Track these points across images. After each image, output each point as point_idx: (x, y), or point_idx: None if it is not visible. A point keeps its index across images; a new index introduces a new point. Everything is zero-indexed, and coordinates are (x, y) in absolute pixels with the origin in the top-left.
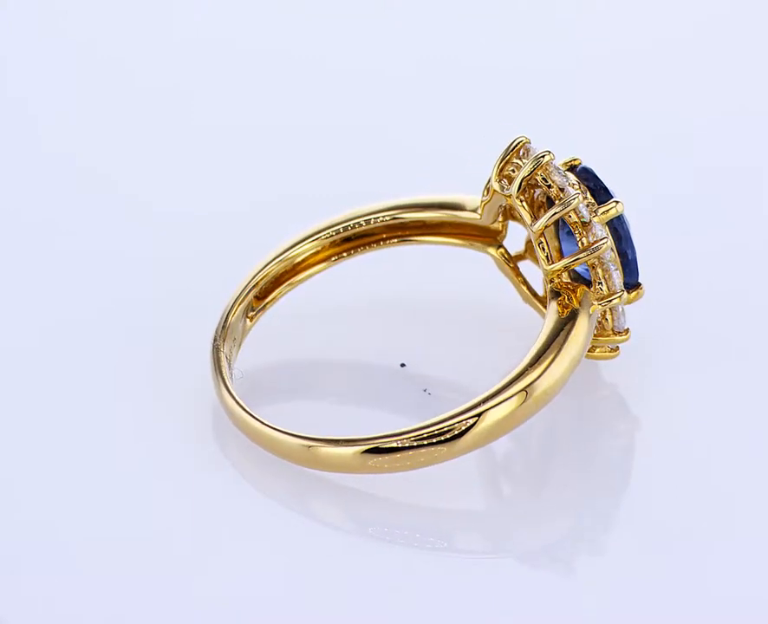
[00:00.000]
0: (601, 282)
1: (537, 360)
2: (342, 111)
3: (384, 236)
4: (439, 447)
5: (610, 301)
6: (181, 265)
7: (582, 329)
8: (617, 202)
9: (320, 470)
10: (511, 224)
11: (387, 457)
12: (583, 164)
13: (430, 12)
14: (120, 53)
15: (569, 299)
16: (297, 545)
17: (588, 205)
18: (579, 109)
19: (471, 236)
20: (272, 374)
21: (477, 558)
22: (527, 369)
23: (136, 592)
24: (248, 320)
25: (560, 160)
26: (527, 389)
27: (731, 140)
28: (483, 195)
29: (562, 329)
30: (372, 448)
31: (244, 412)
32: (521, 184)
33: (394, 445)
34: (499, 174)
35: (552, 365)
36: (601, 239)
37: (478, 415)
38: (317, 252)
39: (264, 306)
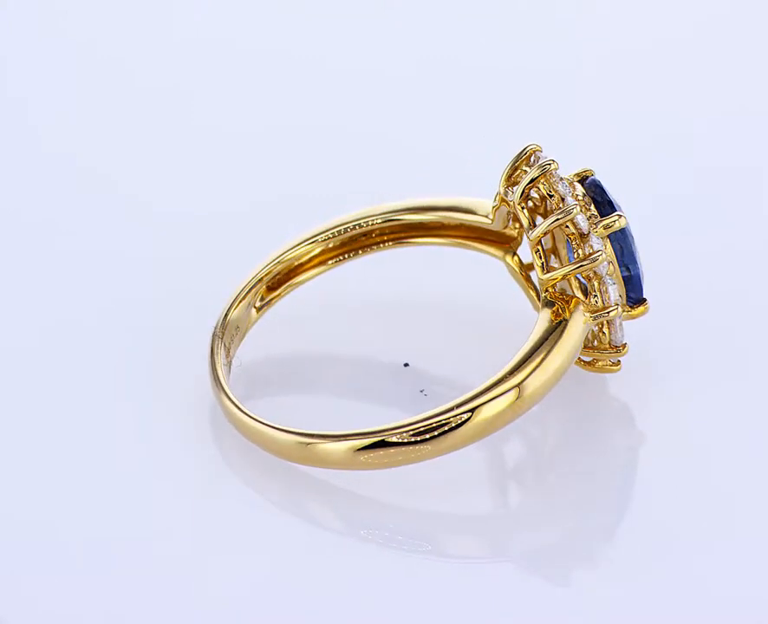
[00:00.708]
0: (596, 295)
1: (528, 359)
2: (342, 111)
3: (399, 235)
4: (432, 442)
5: (603, 314)
6: (181, 265)
7: (571, 335)
8: (619, 216)
9: (314, 466)
10: None
11: (381, 451)
12: (593, 177)
13: (430, 12)
14: (120, 53)
15: (562, 310)
16: (293, 548)
17: (589, 218)
18: (579, 109)
19: (484, 240)
20: (270, 369)
21: (473, 562)
22: (518, 367)
23: (136, 592)
24: (255, 310)
25: (572, 171)
26: (519, 386)
27: (731, 140)
28: (494, 200)
29: (552, 333)
30: (369, 444)
31: (235, 408)
32: (523, 191)
33: (393, 439)
34: (507, 180)
35: (542, 364)
36: (596, 252)
37: (472, 410)
38: (323, 252)
39: (271, 300)
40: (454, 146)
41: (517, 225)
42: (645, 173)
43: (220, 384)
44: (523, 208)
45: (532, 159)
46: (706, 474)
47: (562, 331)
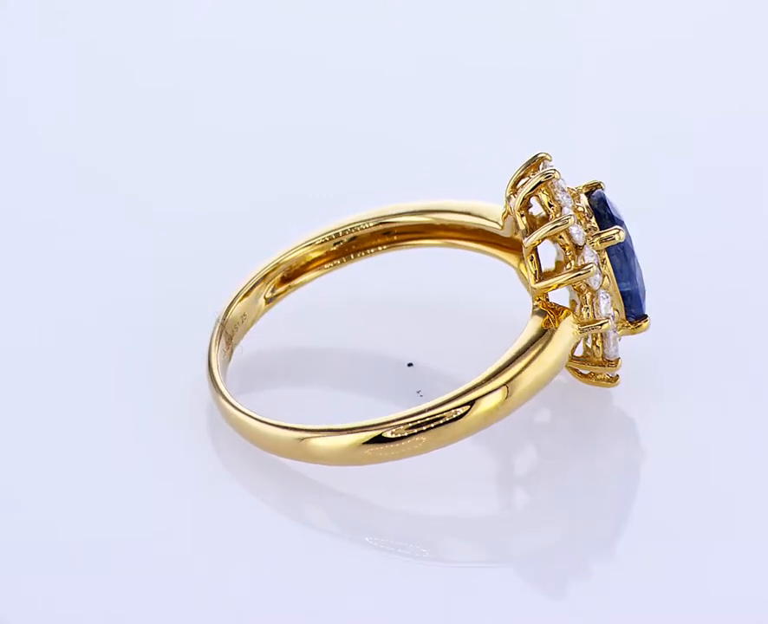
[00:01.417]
0: (587, 308)
1: (519, 357)
2: (342, 111)
3: (413, 236)
4: (431, 433)
5: (592, 328)
6: (181, 265)
7: (555, 346)
8: (618, 230)
9: (308, 462)
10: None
11: (379, 446)
12: (600, 190)
13: (430, 12)
14: (120, 53)
15: (552, 320)
16: (290, 550)
17: (588, 230)
18: (579, 109)
19: (500, 246)
20: (269, 365)
21: (472, 566)
22: (510, 363)
23: (136, 592)
24: (264, 301)
25: (581, 182)
26: (510, 382)
27: (731, 140)
28: (504, 207)
29: (535, 341)
30: (370, 438)
31: (228, 405)
32: (523, 198)
33: (389, 434)
34: (513, 187)
35: (533, 362)
36: (587, 264)
37: (470, 403)
38: (327, 253)
39: (281, 293)
40: (454, 147)
41: None
42: (645, 173)
43: (216, 383)
44: (522, 215)
45: (541, 166)
46: (707, 475)
47: (548, 340)
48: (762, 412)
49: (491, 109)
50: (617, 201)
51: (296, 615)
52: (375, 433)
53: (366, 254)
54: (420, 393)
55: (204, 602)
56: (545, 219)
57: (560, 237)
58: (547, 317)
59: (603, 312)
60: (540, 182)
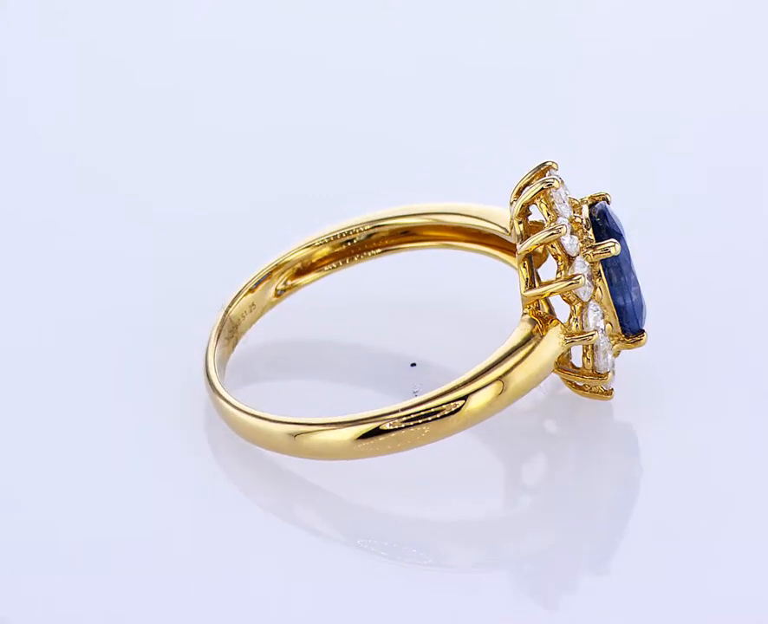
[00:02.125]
0: (576, 319)
1: (510, 355)
2: (342, 111)
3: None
4: (425, 426)
5: (578, 339)
6: (181, 265)
7: (539, 353)
8: (613, 244)
9: (303, 457)
10: None
11: (374, 439)
12: (602, 202)
13: (430, 13)
14: (120, 53)
15: (540, 328)
16: (284, 553)
17: (584, 242)
18: (579, 109)
19: (506, 250)
20: (268, 360)
21: (466, 570)
22: (504, 358)
23: (136, 592)
24: (274, 293)
25: (588, 192)
26: (505, 376)
27: (731, 140)
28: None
29: (519, 347)
30: (365, 432)
31: (224, 402)
32: (522, 205)
33: (386, 426)
34: (518, 194)
35: (513, 370)
36: (576, 275)
37: (464, 397)
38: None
39: (293, 287)
40: (454, 147)
41: None
42: (644, 173)
43: (211, 379)
44: (520, 222)
45: (548, 175)
46: (706, 481)
47: (531, 349)
48: (762, 413)
49: (491, 109)
50: (620, 212)
51: (290, 617)
52: (372, 426)
53: (373, 255)
54: (416, 392)
55: (198, 603)
56: (541, 227)
57: (552, 246)
58: (536, 325)
59: (591, 324)
60: (538, 191)
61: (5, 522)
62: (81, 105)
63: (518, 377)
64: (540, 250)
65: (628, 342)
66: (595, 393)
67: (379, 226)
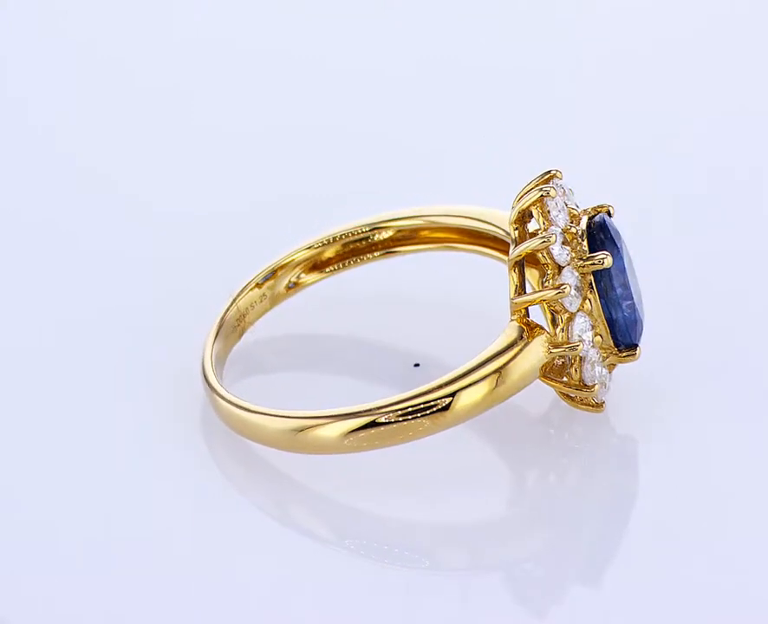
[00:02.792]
0: (563, 329)
1: (489, 361)
2: (342, 111)
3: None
4: (424, 420)
5: (562, 349)
6: (181, 265)
7: (521, 361)
8: (605, 256)
9: (297, 452)
10: None
11: (370, 431)
12: (602, 214)
13: (430, 13)
14: (120, 53)
15: (526, 335)
16: (278, 554)
17: (577, 252)
18: (579, 110)
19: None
20: (268, 357)
21: (460, 573)
22: (500, 353)
23: (136, 592)
24: (285, 287)
25: (587, 195)
26: (502, 369)
27: (731, 141)
28: None
29: (502, 352)
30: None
31: (219, 398)
32: (518, 212)
33: (383, 420)
34: (519, 200)
35: (506, 366)
36: (562, 284)
37: (453, 393)
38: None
39: (296, 285)
40: (454, 147)
41: None
42: (645, 174)
43: (207, 376)
44: (516, 228)
45: (551, 183)
46: (706, 477)
47: (515, 355)
48: (761, 413)
49: (491, 109)
50: (620, 213)
51: (282, 617)
52: (368, 419)
53: (372, 258)
54: (418, 365)
55: (196, 602)
56: (534, 235)
57: (542, 255)
58: (523, 332)
59: (576, 336)
60: (534, 198)
61: (5, 522)
62: (81, 105)
63: (497, 384)
64: (539, 256)
65: (620, 356)
66: (585, 404)
67: (378, 228)
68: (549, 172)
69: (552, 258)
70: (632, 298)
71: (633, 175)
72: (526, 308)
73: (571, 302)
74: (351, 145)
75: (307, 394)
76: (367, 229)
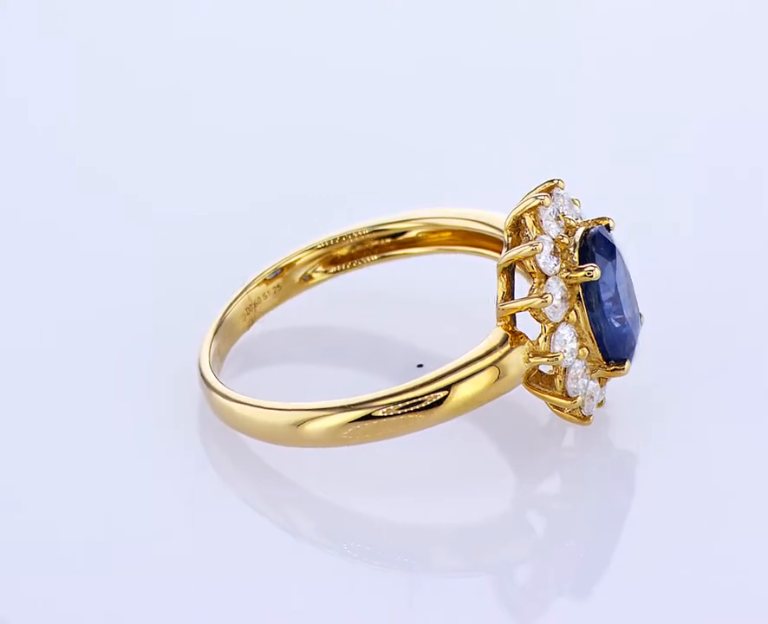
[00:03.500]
0: (545, 339)
1: (467, 365)
2: (342, 112)
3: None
4: (420, 414)
5: (541, 358)
6: (181, 265)
7: (506, 364)
8: (594, 268)
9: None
10: None
11: (366, 424)
12: (599, 227)
13: (430, 13)
14: (120, 53)
15: (511, 342)
16: (274, 556)
17: (567, 263)
18: (578, 110)
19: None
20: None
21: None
22: (479, 358)
23: (136, 592)
24: (300, 280)
25: (593, 211)
26: (498, 363)
27: (731, 141)
28: None
29: (484, 356)
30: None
31: (214, 393)
32: (512, 218)
33: (380, 413)
34: (515, 208)
35: (484, 371)
36: (545, 294)
37: (448, 387)
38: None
39: (330, 273)
40: (454, 147)
41: None
42: (644, 173)
43: (203, 373)
44: (509, 235)
45: (553, 192)
46: (704, 481)
47: (495, 360)
48: (761, 414)
49: (492, 110)
50: (620, 215)
51: (278, 618)
52: (365, 412)
53: (371, 261)
54: (421, 366)
55: (195, 602)
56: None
57: (530, 263)
58: (508, 338)
59: (557, 346)
60: (528, 206)
61: (5, 522)
62: (81, 105)
63: (471, 389)
64: (526, 264)
65: (607, 370)
66: (572, 415)
67: (377, 231)
68: (551, 181)
69: (538, 267)
70: (623, 313)
71: (633, 175)
72: (512, 316)
73: (555, 312)
74: (351, 145)
75: (307, 388)
76: (368, 231)
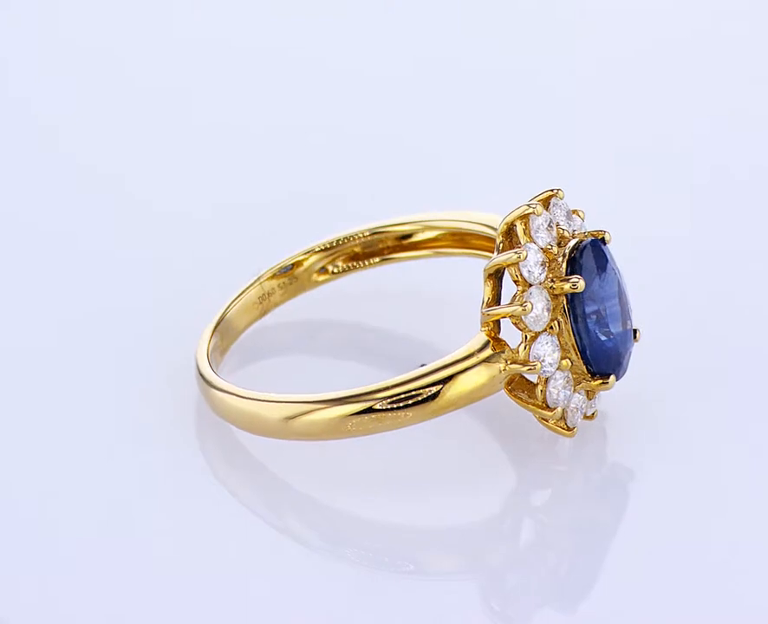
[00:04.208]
0: (525, 347)
1: (446, 367)
2: (343, 111)
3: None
4: (416, 408)
5: (519, 367)
6: (181, 265)
7: (482, 370)
8: (578, 279)
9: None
10: None
11: (364, 417)
12: (592, 239)
13: (430, 14)
14: (121, 53)
15: (492, 347)
16: (270, 556)
17: (554, 273)
18: (579, 110)
19: None
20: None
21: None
22: (456, 361)
23: (135, 591)
24: (317, 274)
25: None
26: (474, 368)
27: (731, 142)
28: None
29: (462, 360)
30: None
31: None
32: (505, 225)
33: (377, 406)
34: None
35: (461, 374)
36: (525, 302)
37: (448, 378)
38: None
39: (345, 270)
40: (454, 148)
41: None
42: (644, 173)
43: (200, 368)
44: (501, 241)
45: (550, 202)
46: (706, 479)
47: (471, 365)
48: (761, 415)
49: (492, 112)
50: (620, 218)
51: (274, 618)
52: (365, 405)
53: (372, 264)
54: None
55: (194, 602)
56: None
57: (513, 271)
58: (489, 344)
59: (534, 356)
60: (520, 214)
61: (5, 522)
62: (82, 104)
63: (450, 391)
64: (510, 271)
65: (591, 383)
66: (557, 425)
67: (378, 233)
68: (551, 190)
69: (521, 275)
70: (608, 327)
71: (633, 175)
72: (496, 322)
73: (536, 321)
74: (351, 145)
75: (305, 383)
76: (368, 233)
